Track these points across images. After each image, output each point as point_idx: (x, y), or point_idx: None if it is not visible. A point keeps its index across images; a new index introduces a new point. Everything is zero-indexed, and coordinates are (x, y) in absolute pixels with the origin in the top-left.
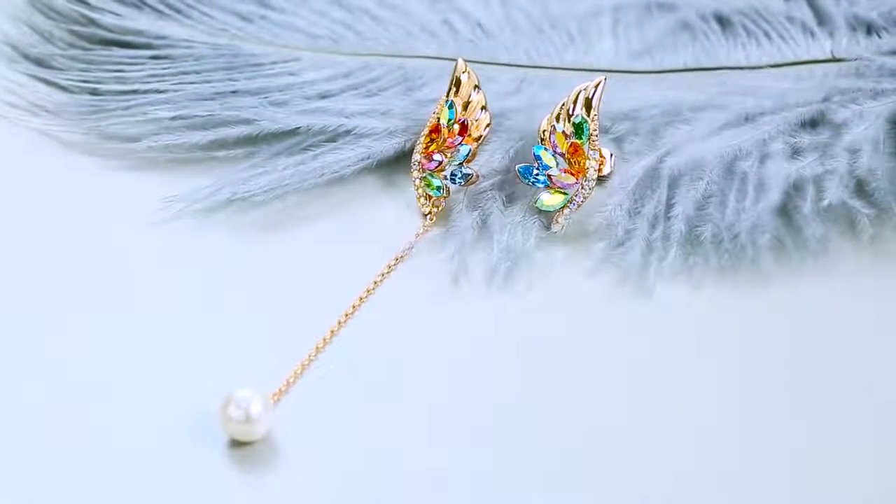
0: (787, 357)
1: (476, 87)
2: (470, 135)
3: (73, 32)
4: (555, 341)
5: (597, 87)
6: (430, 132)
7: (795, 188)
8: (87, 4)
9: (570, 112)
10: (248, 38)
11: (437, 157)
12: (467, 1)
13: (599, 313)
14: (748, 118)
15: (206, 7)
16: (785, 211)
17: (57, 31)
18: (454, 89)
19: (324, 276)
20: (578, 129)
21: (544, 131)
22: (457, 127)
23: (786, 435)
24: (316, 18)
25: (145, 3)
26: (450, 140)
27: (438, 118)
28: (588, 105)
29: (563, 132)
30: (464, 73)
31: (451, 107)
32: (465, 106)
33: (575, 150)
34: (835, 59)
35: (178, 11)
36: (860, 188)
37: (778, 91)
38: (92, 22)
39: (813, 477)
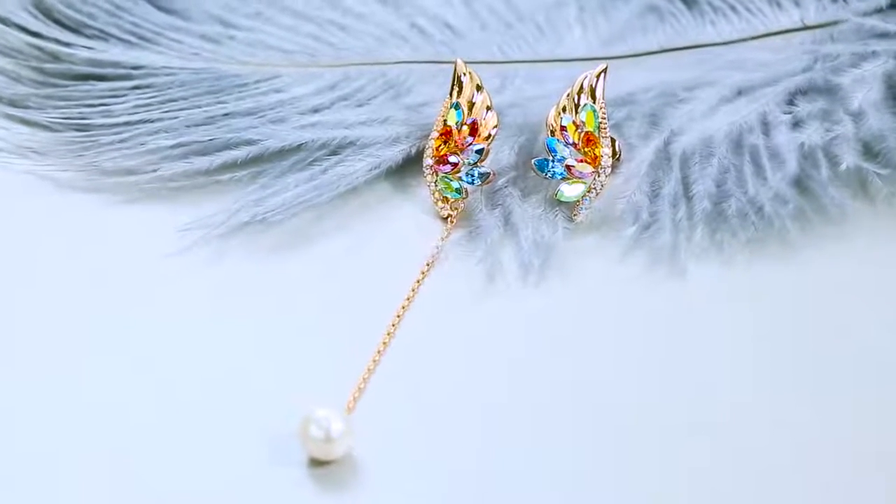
0: (823, 323)
1: (478, 87)
2: (479, 134)
3: (40, 70)
4: (600, 329)
5: (599, 76)
6: (441, 135)
7: (805, 156)
8: (54, 40)
9: (577, 102)
10: (224, 59)
11: (452, 159)
12: (430, 3)
13: (638, 297)
14: (741, 92)
15: (172, 33)
16: (798, 180)
17: (24, 71)
18: (456, 90)
19: (356, 288)
20: (589, 118)
21: (553, 123)
22: (466, 128)
23: (825, 401)
24: (285, 34)
25: (110, 35)
26: (461, 141)
27: (445, 120)
28: (593, 93)
29: (574, 122)
30: (464, 74)
31: (457, 108)
32: (470, 107)
33: (588, 139)
34: (807, 27)
35: (147, 40)
36: (867, 150)
37: (762, 63)
38: (57, 58)
39: (846, 441)
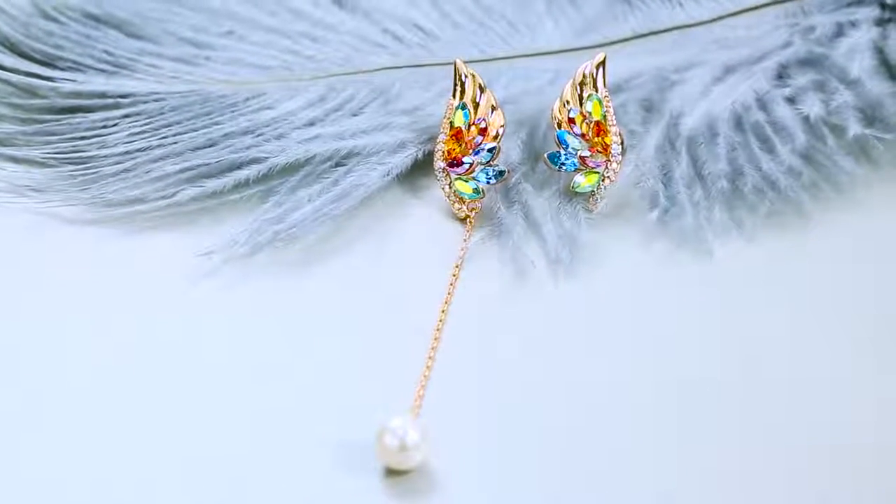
0: (852, 290)
1: (480, 87)
2: (488, 134)
3: (20, 107)
4: (639, 315)
5: (598, 66)
6: (451, 137)
7: (810, 128)
8: (31, 74)
9: (580, 93)
10: (206, 80)
11: (466, 160)
12: (397, 7)
13: (668, 280)
14: (730, 70)
15: (147, 59)
16: (804, 151)
17: (4, 109)
18: (459, 91)
19: (389, 295)
20: (595, 108)
21: (559, 116)
22: (474, 128)
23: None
24: (261, 50)
25: (84, 65)
26: (471, 142)
27: (452, 122)
28: (595, 83)
29: (581, 113)
30: (466, 75)
31: (463, 108)
32: (475, 107)
33: (598, 129)
34: (777, 2)
35: (123, 67)
36: (865, 117)
37: (742, 40)
38: (35, 93)
39: (878, 406)
